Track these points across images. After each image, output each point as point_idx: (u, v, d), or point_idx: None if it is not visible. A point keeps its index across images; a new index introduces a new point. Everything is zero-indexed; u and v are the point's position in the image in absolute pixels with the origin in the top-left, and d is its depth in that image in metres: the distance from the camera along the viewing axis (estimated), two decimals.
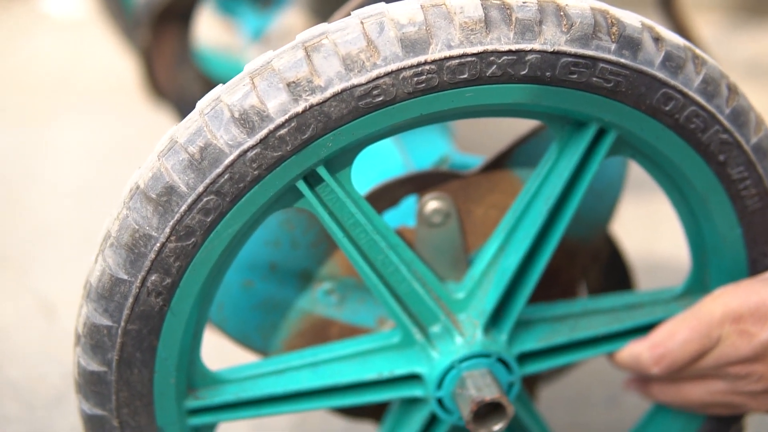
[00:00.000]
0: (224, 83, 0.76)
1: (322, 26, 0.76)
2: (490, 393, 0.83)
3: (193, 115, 0.77)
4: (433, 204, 0.89)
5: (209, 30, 2.02)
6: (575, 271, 0.98)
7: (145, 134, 2.05)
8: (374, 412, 0.99)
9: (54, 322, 1.50)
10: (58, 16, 2.62)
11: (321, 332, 0.94)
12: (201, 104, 0.77)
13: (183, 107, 1.59)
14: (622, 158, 0.96)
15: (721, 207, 0.85)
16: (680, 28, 1.55)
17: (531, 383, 1.01)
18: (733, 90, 0.82)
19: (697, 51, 0.81)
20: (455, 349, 0.85)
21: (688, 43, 0.81)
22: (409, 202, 0.93)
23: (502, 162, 0.91)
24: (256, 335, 0.94)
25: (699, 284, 0.91)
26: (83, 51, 2.49)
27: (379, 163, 1.06)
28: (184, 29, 1.55)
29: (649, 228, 1.65)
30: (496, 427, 0.83)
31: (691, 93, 0.80)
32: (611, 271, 1.03)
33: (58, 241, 1.72)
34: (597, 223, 0.97)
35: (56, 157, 2.02)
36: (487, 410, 0.84)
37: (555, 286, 0.97)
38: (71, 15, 2.61)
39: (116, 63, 2.36)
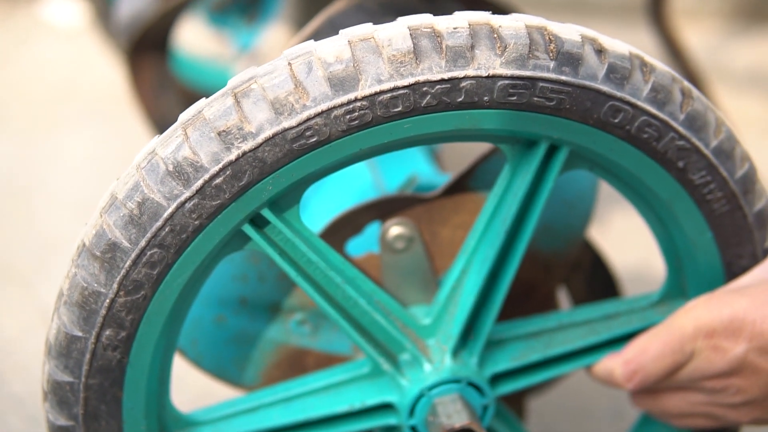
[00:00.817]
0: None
1: (251, 70, 0.75)
2: (460, 419, 0.82)
3: (130, 170, 0.76)
4: (395, 230, 0.88)
5: (200, 40, 2.02)
6: (552, 283, 0.96)
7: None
8: None
9: None
10: (60, 24, 2.61)
11: (297, 362, 0.94)
12: (137, 158, 0.76)
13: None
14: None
15: (687, 212, 0.83)
16: (669, 39, 1.52)
17: (518, 397, 0.99)
18: (687, 95, 0.79)
19: (646, 58, 0.78)
20: (424, 376, 0.84)
21: (635, 51, 0.78)
22: (375, 228, 0.91)
23: (464, 182, 0.89)
24: (232, 369, 0.94)
25: (676, 289, 0.89)
26: (85, 60, 2.48)
27: (349, 183, 1.05)
28: (161, 57, 1.55)
29: (625, 236, 1.61)
30: None
31: (640, 103, 0.77)
32: (594, 278, 1.01)
33: (63, 253, 1.72)
34: (571, 235, 0.95)
35: (60, 167, 2.03)
36: None
37: (532, 300, 0.96)
38: (73, 24, 2.61)
39: (118, 72, 2.37)
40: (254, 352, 0.94)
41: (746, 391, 0.83)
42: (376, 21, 1.02)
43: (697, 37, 2.65)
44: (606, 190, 1.02)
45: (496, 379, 0.88)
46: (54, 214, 1.84)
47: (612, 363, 0.86)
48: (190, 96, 1.55)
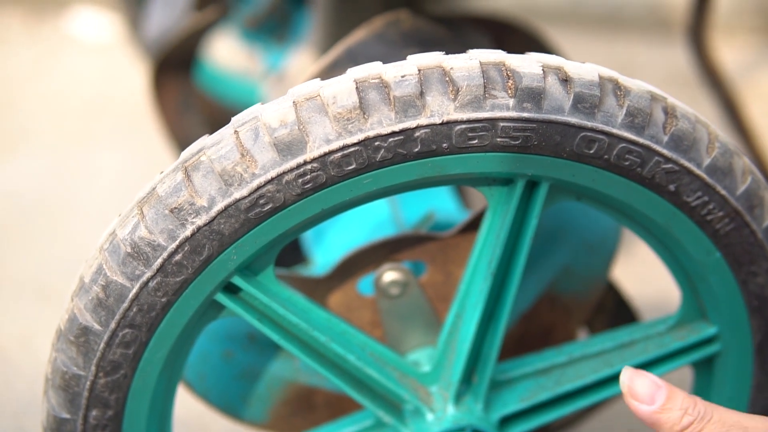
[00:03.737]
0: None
1: (201, 141, 0.73)
2: None
3: (95, 252, 0.75)
4: (389, 276, 0.85)
5: (230, 54, 2.01)
6: (573, 325, 0.92)
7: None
8: None
9: None
10: (86, 39, 2.64)
11: (306, 400, 0.92)
12: (100, 240, 0.75)
13: None
14: None
15: (689, 235, 0.78)
16: (705, 60, 1.45)
17: None
18: (670, 114, 0.74)
19: (621, 81, 0.73)
20: (426, 426, 0.82)
21: (608, 74, 0.73)
22: None
23: (479, 222, 0.85)
24: (240, 405, 0.93)
25: (694, 312, 0.84)
26: (115, 73, 2.49)
27: (367, 216, 1.02)
28: (186, 76, 1.54)
29: (648, 266, 1.53)
30: None
31: (615, 131, 0.73)
32: (618, 319, 0.96)
33: None
34: (594, 278, 0.91)
35: (92, 182, 2.05)
36: None
37: (551, 342, 0.92)
38: (99, 38, 2.63)
39: (144, 85, 2.38)
40: (262, 388, 0.92)
41: None
42: (397, 51, 0.99)
43: (733, 53, 2.53)
44: None
45: (506, 421, 0.84)
46: (88, 230, 1.86)
47: None
48: (215, 113, 1.54)
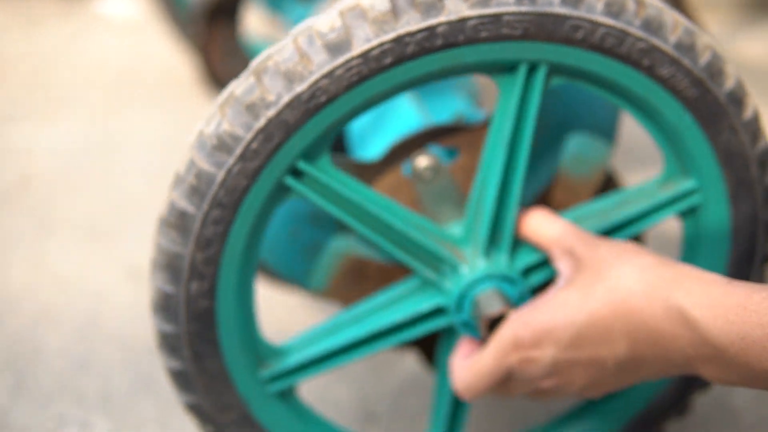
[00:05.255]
0: None
1: (267, 51, 0.91)
2: (496, 307, 0.96)
3: (186, 150, 0.93)
4: (422, 162, 1.03)
5: (259, 25, 2.21)
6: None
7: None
8: (415, 344, 1.14)
9: (141, 284, 1.73)
10: (114, 17, 2.88)
11: (361, 271, 1.09)
12: (190, 139, 0.93)
13: None
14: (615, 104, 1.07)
15: (664, 102, 0.95)
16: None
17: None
18: (640, 3, 0.92)
19: None
20: (463, 278, 0.99)
21: None
22: None
23: None
24: (305, 276, 1.10)
25: (676, 170, 1.02)
26: (144, 49, 2.75)
27: (402, 123, 1.20)
28: (232, 24, 1.74)
29: None
30: None
31: (595, 17, 0.90)
32: None
33: (139, 215, 1.96)
34: (595, 162, 1.08)
35: (128, 138, 2.28)
36: (501, 321, 0.97)
37: None
38: (126, 16, 2.87)
39: (171, 59, 2.62)
40: (323, 261, 1.09)
41: (574, 382, 0.93)
42: None
43: (711, 28, 2.71)
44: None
45: (528, 271, 1.02)
46: (129, 182, 2.08)
47: (452, 376, 0.98)
48: None
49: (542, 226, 0.99)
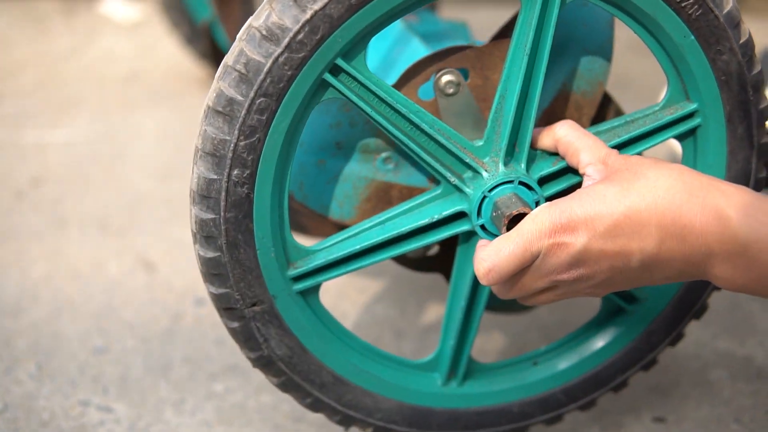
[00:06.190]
0: None
1: None
2: (516, 207, 1.04)
3: (235, 43, 1.01)
4: (445, 77, 1.11)
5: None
6: (583, 122, 1.18)
7: None
8: (437, 265, 1.21)
9: (154, 274, 1.80)
10: (119, 18, 3.00)
11: (384, 195, 1.17)
12: (239, 34, 1.01)
13: None
14: (610, 25, 1.16)
15: (670, 21, 1.05)
16: None
17: None
18: None
19: None
20: (483, 182, 1.07)
21: None
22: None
23: (508, 32, 1.12)
24: (333, 205, 1.17)
25: (678, 93, 1.10)
26: (148, 49, 2.86)
27: (411, 56, 1.28)
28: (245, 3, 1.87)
29: None
30: None
31: None
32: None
33: (149, 208, 2.03)
34: (596, 77, 1.17)
35: (135, 135, 2.36)
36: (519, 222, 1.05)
37: None
38: (130, 17, 2.99)
39: (177, 57, 2.75)
40: (350, 189, 1.17)
41: (594, 276, 0.99)
42: None
43: None
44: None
45: (542, 181, 1.10)
46: (137, 178, 2.16)
47: (474, 261, 1.03)
48: None
49: (573, 133, 1.07)
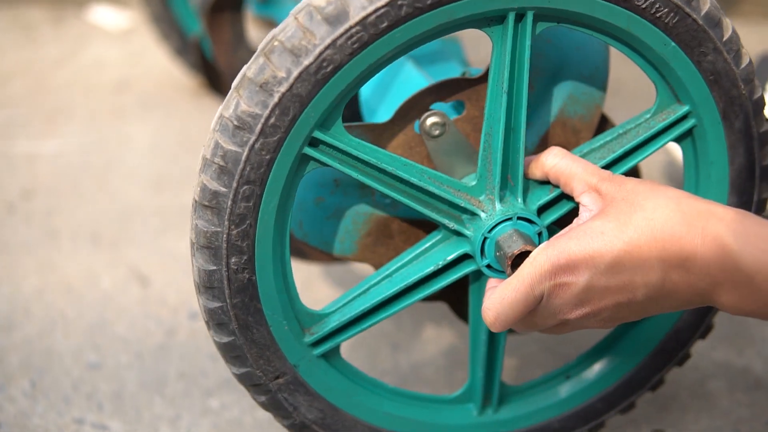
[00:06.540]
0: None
1: (271, 33, 0.98)
2: (517, 245, 1.02)
3: (209, 135, 1.00)
4: (429, 120, 1.09)
5: (251, 30, 2.30)
6: (581, 144, 1.15)
7: (202, 128, 2.40)
8: (441, 296, 1.21)
9: (147, 288, 1.79)
10: (108, 26, 2.99)
11: (385, 229, 1.16)
12: (212, 124, 1.00)
13: None
14: (604, 47, 1.13)
15: (647, 32, 1.02)
16: None
17: None
18: None
19: None
20: (482, 223, 1.06)
21: None
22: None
23: None
24: (333, 242, 1.16)
25: (667, 97, 1.08)
26: (137, 57, 2.85)
27: (409, 90, 1.26)
28: (236, 17, 1.84)
29: None
30: None
31: None
32: None
33: (141, 219, 2.03)
34: (592, 103, 1.14)
35: (126, 145, 2.35)
36: (523, 259, 1.03)
37: None
38: (119, 25, 2.98)
39: (167, 66, 2.73)
40: (349, 224, 1.16)
41: (601, 312, 0.98)
42: None
43: None
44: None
45: (542, 210, 1.08)
46: (128, 188, 2.15)
47: (482, 310, 1.02)
48: None
49: (561, 162, 1.05)
